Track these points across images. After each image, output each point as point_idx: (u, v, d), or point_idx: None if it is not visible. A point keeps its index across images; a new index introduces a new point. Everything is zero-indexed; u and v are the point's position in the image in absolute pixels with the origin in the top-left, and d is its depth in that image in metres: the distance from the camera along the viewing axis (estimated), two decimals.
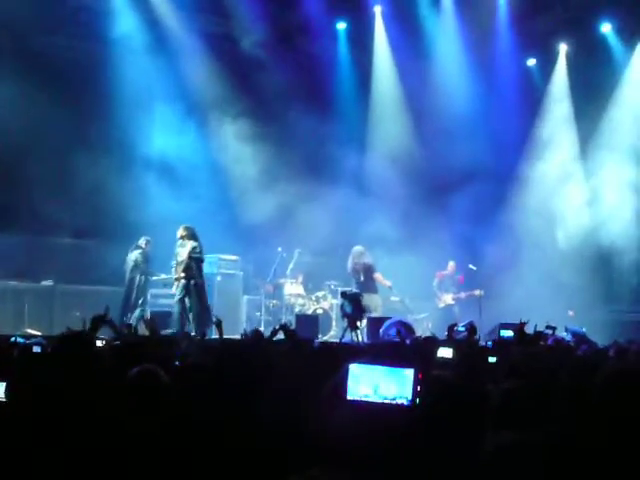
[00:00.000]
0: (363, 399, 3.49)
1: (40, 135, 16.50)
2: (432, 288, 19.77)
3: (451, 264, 19.74)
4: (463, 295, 19.36)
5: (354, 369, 3.55)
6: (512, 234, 19.78)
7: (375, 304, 17.80)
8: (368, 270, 18.10)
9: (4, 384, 4.87)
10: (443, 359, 7.85)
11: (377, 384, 3.51)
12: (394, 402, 3.50)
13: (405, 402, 3.50)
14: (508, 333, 11.07)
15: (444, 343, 8.86)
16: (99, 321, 7.51)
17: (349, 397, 3.50)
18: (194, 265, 15.53)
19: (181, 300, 15.44)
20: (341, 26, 20.35)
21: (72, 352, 5.56)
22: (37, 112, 16.25)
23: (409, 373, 3.52)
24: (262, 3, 18.41)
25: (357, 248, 18.31)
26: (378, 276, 18.29)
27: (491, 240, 19.68)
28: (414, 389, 3.50)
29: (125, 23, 18.24)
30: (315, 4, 18.80)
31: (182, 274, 15.51)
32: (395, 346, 8.84)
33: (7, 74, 16.12)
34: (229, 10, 18.64)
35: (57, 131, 16.70)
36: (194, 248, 15.49)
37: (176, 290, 15.64)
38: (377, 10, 19.83)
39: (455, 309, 19.38)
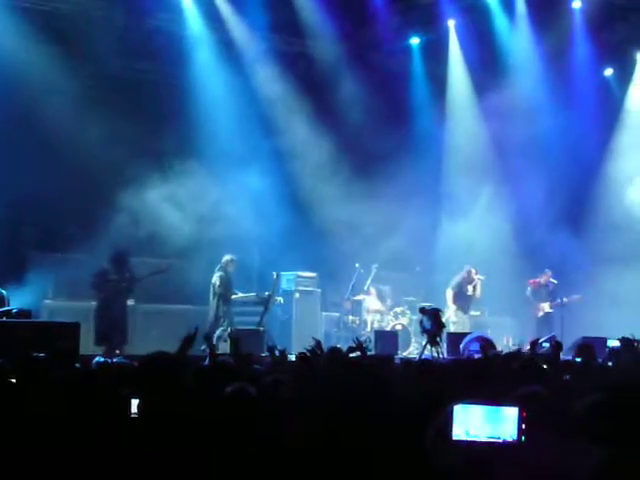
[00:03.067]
0: (468, 439, 3.50)
1: (115, 155, 16.67)
2: (521, 298, 19.50)
3: (547, 272, 19.33)
4: (566, 299, 19.01)
5: (458, 409, 3.56)
6: (595, 246, 19.56)
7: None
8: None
9: (137, 400, 4.96)
10: None
11: (481, 423, 3.51)
12: (499, 440, 3.50)
13: (510, 440, 3.49)
14: (616, 343, 10.97)
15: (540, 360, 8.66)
16: (189, 341, 7.56)
17: (454, 437, 3.51)
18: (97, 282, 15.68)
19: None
20: (415, 41, 20.29)
21: (161, 372, 5.64)
22: (114, 135, 16.55)
23: (513, 412, 3.52)
24: (336, 21, 18.46)
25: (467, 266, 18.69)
26: (448, 292, 18.49)
27: (574, 253, 19.46)
28: (519, 427, 3.49)
29: (201, 45, 18.50)
30: (388, 20, 18.77)
31: None
32: (478, 364, 8.71)
33: (86, 98, 16.42)
34: (303, 29, 18.73)
35: (131, 151, 16.91)
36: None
37: None
38: (451, 24, 19.69)
39: (553, 317, 19.09)
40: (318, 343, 9.34)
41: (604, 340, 13.42)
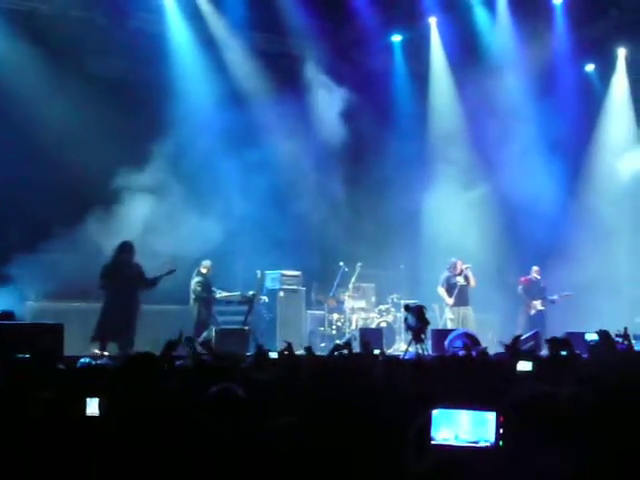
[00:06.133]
0: (447, 443, 3.51)
1: (98, 155, 16.60)
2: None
3: (535, 269, 19.12)
4: (557, 297, 18.89)
5: (436, 414, 3.57)
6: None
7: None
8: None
9: (97, 400, 4.97)
10: (523, 372, 7.68)
11: (459, 428, 3.52)
12: (477, 445, 3.51)
13: (488, 445, 3.51)
14: (593, 336, 10.90)
15: (523, 356, 8.65)
16: (173, 345, 7.61)
17: (433, 442, 3.53)
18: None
19: None
20: (396, 38, 20.34)
21: (140, 372, 5.65)
22: (97, 134, 16.57)
23: (491, 416, 3.53)
24: (317, 19, 18.48)
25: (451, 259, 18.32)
26: (439, 290, 18.27)
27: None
28: (497, 431, 3.51)
29: (182, 45, 18.50)
30: (370, 18, 18.81)
31: None
32: (464, 361, 8.72)
33: (66, 97, 16.39)
34: (284, 28, 18.72)
35: (114, 151, 16.85)
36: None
37: None
38: (432, 21, 19.78)
39: (545, 315, 18.88)
40: (289, 345, 9.35)
41: (583, 335, 13.37)
